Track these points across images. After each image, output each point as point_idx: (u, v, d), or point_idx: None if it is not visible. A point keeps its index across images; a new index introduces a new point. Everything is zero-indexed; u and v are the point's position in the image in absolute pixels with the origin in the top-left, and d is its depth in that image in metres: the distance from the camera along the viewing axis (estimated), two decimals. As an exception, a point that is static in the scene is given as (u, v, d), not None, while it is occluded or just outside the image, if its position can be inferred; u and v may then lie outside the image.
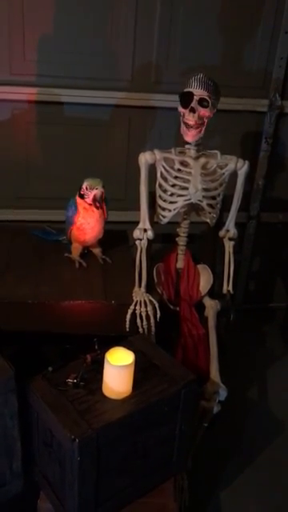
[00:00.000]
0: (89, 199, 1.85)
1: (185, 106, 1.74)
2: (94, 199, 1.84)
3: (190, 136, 1.77)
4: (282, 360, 2.76)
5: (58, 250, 2.06)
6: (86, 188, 1.84)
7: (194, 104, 1.72)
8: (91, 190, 1.83)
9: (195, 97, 1.73)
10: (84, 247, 2.00)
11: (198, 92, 1.73)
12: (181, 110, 1.76)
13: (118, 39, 2.32)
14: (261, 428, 2.30)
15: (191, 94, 1.73)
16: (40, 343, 1.86)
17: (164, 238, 2.11)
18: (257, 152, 2.64)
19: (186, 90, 1.74)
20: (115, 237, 2.13)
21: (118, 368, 1.41)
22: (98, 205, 1.85)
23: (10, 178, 2.47)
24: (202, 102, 1.73)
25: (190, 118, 1.73)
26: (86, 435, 1.31)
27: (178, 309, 2.04)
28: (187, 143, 1.85)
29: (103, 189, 1.84)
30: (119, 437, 1.40)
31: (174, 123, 1.93)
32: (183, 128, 1.77)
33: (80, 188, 1.86)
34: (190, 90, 1.73)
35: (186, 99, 1.74)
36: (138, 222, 1.91)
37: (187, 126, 1.75)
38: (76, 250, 1.98)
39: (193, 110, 1.72)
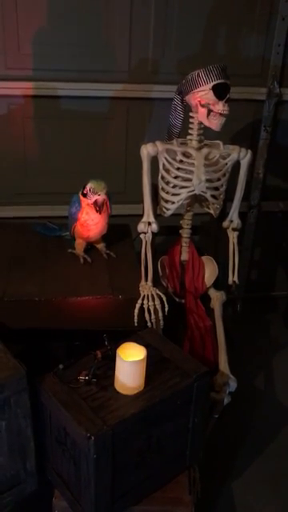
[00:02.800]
0: (90, 201, 1.83)
1: (221, 97, 1.71)
2: (95, 204, 1.82)
3: (219, 125, 1.76)
4: (286, 348, 2.76)
5: (61, 245, 2.05)
6: (90, 190, 1.81)
7: (229, 94, 1.71)
8: (94, 194, 1.80)
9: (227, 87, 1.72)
10: (88, 243, 1.99)
11: (228, 82, 1.72)
12: (212, 100, 1.71)
13: (114, 30, 2.29)
14: (269, 416, 2.31)
15: (227, 85, 1.71)
16: (48, 340, 1.85)
17: (167, 231, 2.10)
18: (256, 140, 2.62)
19: (218, 81, 1.69)
20: (117, 231, 2.12)
21: (131, 363, 1.40)
22: (97, 209, 1.83)
23: (9, 174, 2.44)
24: (230, 92, 1.73)
25: (226, 109, 1.72)
26: (101, 432, 1.30)
27: (183, 301, 2.03)
28: (189, 134, 1.84)
29: (106, 196, 1.82)
30: (134, 432, 1.40)
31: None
32: (211, 118, 1.74)
33: (84, 187, 1.83)
34: (224, 80, 1.70)
35: (222, 91, 1.71)
36: (137, 215, 1.90)
37: (218, 116, 1.73)
38: (80, 246, 1.97)
39: (228, 101, 1.72)
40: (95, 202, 1.81)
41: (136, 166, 1.85)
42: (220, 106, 1.71)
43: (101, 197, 1.81)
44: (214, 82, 1.70)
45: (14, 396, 1.39)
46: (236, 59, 2.44)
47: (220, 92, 1.71)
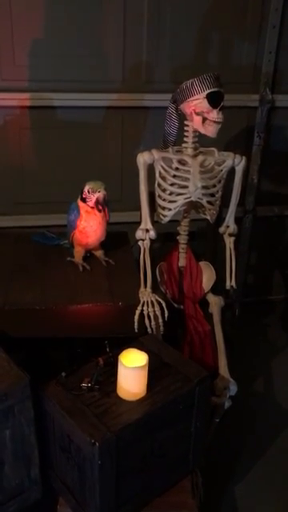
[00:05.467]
0: (91, 202, 1.85)
1: (215, 106, 1.73)
2: (97, 202, 1.84)
3: (214, 132, 1.78)
4: (285, 351, 2.78)
5: (60, 254, 2.07)
6: (88, 191, 1.84)
7: (224, 102, 1.74)
8: (93, 193, 1.83)
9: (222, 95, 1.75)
10: (86, 250, 2.00)
11: (222, 90, 1.74)
12: (207, 108, 1.74)
13: (108, 40, 2.32)
14: (269, 419, 2.32)
15: (221, 94, 1.74)
16: (50, 348, 1.86)
17: (165, 237, 2.12)
18: (250, 146, 2.65)
19: (212, 90, 1.72)
20: (115, 238, 2.14)
21: (133, 370, 1.41)
22: (100, 208, 1.85)
23: (7, 184, 2.46)
24: (223, 100, 1.75)
25: (220, 116, 1.74)
26: (105, 438, 1.32)
27: (182, 307, 2.05)
28: (184, 142, 1.86)
29: (105, 191, 1.84)
30: (137, 438, 1.41)
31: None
32: (206, 126, 1.77)
33: (82, 192, 1.86)
34: (218, 89, 1.73)
35: (216, 99, 1.73)
36: (135, 222, 1.92)
37: (213, 123, 1.75)
38: (79, 254, 1.98)
39: (222, 109, 1.74)
40: (97, 200, 1.84)
41: (132, 174, 1.87)
42: (214, 114, 1.74)
43: (101, 193, 1.83)
44: (208, 91, 1.72)
45: (17, 404, 1.40)
46: (229, 67, 2.48)
47: (214, 100, 1.73)
